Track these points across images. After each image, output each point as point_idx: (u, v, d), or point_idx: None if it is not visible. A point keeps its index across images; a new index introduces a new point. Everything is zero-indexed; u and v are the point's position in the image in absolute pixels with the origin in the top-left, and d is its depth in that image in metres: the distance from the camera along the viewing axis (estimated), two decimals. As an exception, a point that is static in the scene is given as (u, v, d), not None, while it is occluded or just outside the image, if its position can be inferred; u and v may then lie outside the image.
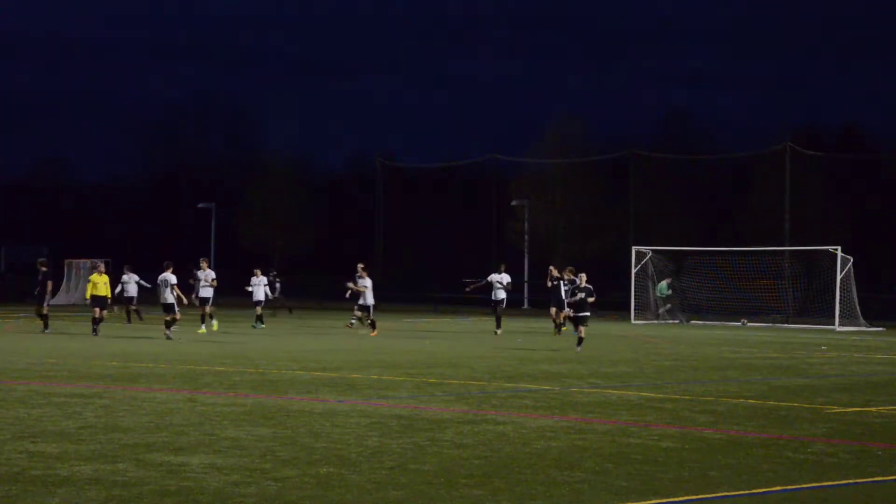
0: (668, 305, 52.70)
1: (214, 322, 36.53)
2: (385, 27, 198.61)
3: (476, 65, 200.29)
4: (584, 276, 30.08)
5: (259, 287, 40.83)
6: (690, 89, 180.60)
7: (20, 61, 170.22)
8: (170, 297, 32.52)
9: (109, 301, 35.49)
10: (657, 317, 52.39)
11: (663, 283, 52.56)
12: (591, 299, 29.21)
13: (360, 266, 36.73)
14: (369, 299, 36.28)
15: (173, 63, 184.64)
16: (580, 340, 29.26)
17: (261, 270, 41.20)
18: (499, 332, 37.41)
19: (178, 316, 32.52)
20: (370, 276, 37.01)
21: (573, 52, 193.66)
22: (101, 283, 34.58)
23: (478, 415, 15.79)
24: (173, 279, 32.70)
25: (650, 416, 16.00)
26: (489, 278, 38.82)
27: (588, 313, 29.57)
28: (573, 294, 30.14)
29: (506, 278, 38.75)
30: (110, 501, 9.65)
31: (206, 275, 36.06)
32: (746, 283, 52.12)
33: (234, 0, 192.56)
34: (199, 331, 35.17)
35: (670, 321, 51.66)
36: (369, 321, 35.98)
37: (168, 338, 31.39)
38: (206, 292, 35.92)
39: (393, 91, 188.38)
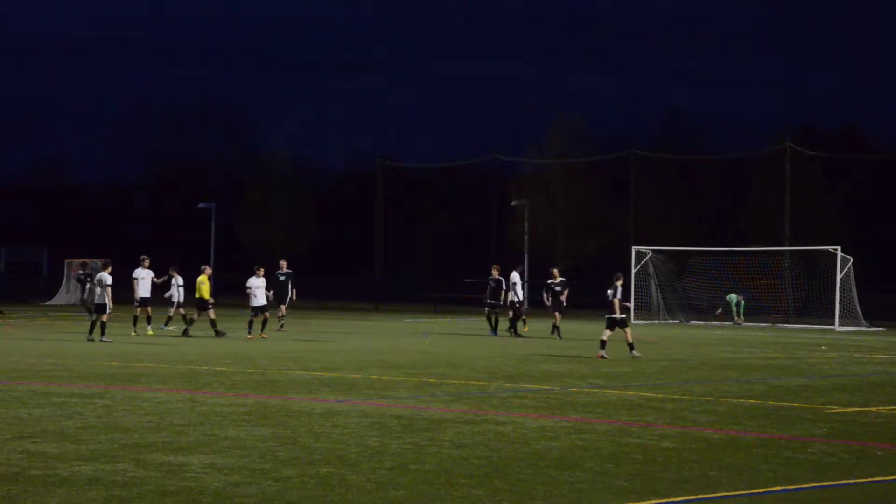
0: (721, 310, 51.50)
1: (150, 327, 34.63)
2: (385, 27, 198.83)
3: (476, 65, 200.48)
4: (621, 276, 28.63)
5: (174, 287, 37.76)
6: (690, 89, 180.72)
7: (20, 61, 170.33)
8: (103, 297, 31.31)
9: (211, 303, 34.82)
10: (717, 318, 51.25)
11: (736, 297, 51.19)
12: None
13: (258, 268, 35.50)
14: (261, 300, 34.42)
15: (173, 63, 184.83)
16: (632, 346, 27.12)
17: (176, 270, 38.95)
18: (510, 332, 36.73)
19: (105, 318, 31.14)
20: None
21: (573, 51, 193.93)
22: (206, 286, 34.52)
23: (478, 415, 15.78)
24: (109, 279, 31.52)
25: (650, 416, 16.00)
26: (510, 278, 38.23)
27: (624, 315, 27.70)
28: (613, 295, 28.78)
29: (515, 277, 38.17)
30: (110, 501, 9.65)
31: (147, 274, 34.82)
32: (746, 283, 52.11)
33: (234, 0, 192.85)
34: (148, 332, 33.99)
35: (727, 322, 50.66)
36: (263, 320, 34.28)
37: (90, 339, 30.60)
38: (146, 292, 34.65)
39: (393, 91, 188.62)
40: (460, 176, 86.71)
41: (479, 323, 47.55)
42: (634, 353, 27.18)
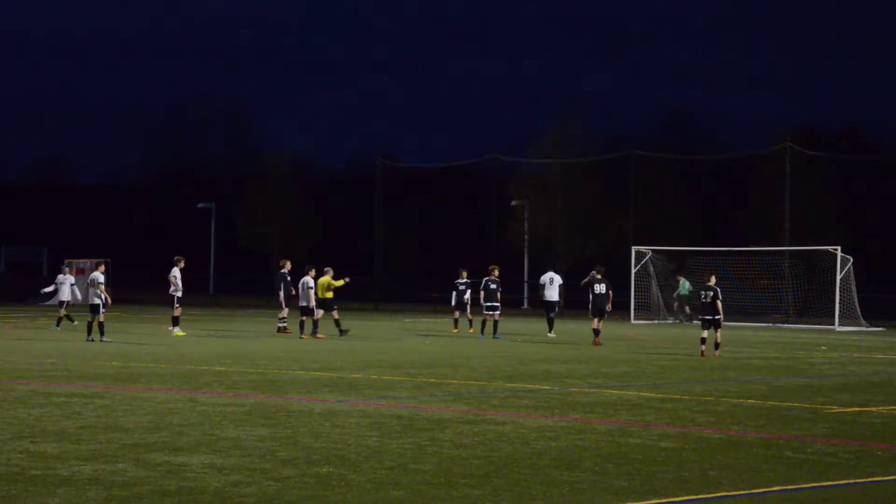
0: (688, 308, 52.35)
1: (177, 328, 34.33)
2: (385, 27, 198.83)
3: (476, 65, 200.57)
4: (714, 278, 29.35)
5: (65, 286, 37.85)
6: (690, 89, 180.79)
7: (21, 61, 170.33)
8: (97, 297, 31.25)
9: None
10: (683, 317, 52.07)
11: (686, 282, 52.23)
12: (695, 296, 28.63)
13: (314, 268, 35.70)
14: (311, 301, 34.68)
15: (173, 63, 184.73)
16: (717, 345, 28.81)
17: (69, 269, 38.48)
18: (550, 334, 36.71)
19: (101, 318, 31.13)
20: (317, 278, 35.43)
21: (574, 51, 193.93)
22: (330, 286, 35.26)
23: (478, 415, 15.78)
24: (101, 278, 31.57)
25: (650, 416, 16.00)
26: (541, 279, 38.17)
27: (719, 316, 28.65)
28: (698, 296, 29.57)
29: (557, 279, 37.84)
30: (110, 501, 9.65)
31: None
32: (746, 283, 52.14)
33: (234, 0, 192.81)
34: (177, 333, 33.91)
35: (686, 321, 51.42)
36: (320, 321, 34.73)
37: (89, 340, 30.56)
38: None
39: (393, 91, 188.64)
40: (460, 176, 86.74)
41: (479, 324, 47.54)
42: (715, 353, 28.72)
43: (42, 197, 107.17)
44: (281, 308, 36.26)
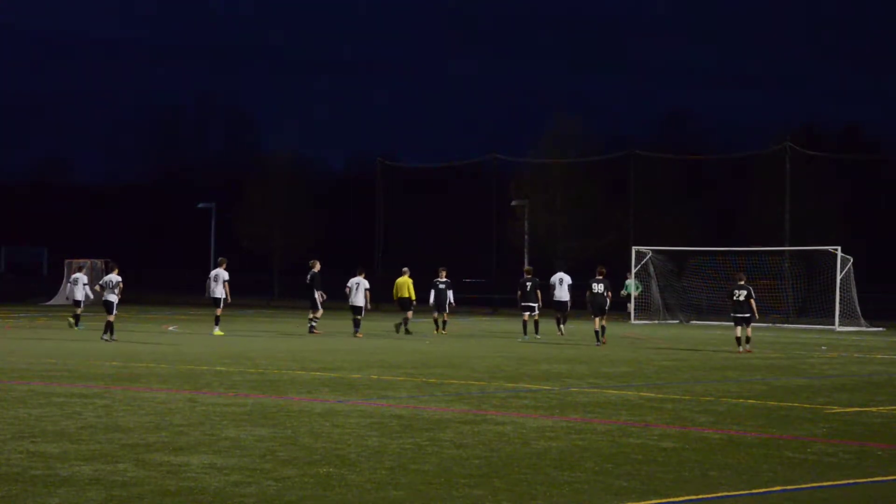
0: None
1: (217, 328, 35.10)
2: (385, 27, 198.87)
3: (476, 65, 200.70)
4: (744, 276, 31.15)
5: (80, 286, 37.92)
6: (690, 89, 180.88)
7: (21, 61, 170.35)
8: (111, 296, 31.55)
9: (413, 303, 37.48)
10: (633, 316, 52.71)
11: (632, 283, 52.69)
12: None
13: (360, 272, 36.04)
14: (358, 300, 35.28)
15: (173, 63, 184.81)
16: (748, 339, 30.47)
17: (83, 270, 38.70)
18: (561, 333, 36.92)
19: (111, 318, 31.28)
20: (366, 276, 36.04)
21: (573, 51, 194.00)
22: (406, 286, 36.52)
23: (478, 415, 15.78)
24: (117, 279, 31.84)
25: (650, 416, 15.99)
26: (551, 279, 38.24)
27: (749, 314, 30.32)
28: (731, 295, 30.54)
29: (567, 279, 37.90)
30: (110, 501, 9.65)
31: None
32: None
33: (234, 0, 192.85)
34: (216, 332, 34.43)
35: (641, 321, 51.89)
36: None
37: (106, 340, 30.73)
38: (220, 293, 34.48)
39: (393, 91, 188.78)
40: (460, 176, 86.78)
41: (479, 324, 47.59)
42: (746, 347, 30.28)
43: (42, 197, 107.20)
44: (315, 309, 36.27)
